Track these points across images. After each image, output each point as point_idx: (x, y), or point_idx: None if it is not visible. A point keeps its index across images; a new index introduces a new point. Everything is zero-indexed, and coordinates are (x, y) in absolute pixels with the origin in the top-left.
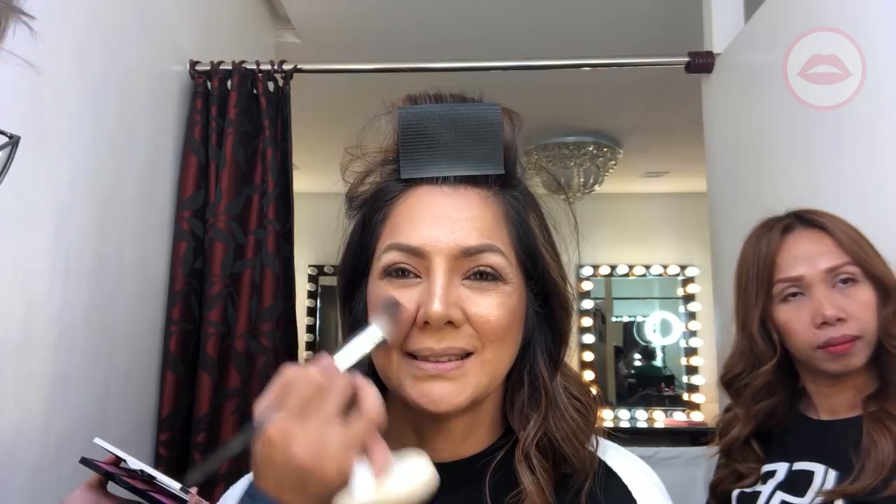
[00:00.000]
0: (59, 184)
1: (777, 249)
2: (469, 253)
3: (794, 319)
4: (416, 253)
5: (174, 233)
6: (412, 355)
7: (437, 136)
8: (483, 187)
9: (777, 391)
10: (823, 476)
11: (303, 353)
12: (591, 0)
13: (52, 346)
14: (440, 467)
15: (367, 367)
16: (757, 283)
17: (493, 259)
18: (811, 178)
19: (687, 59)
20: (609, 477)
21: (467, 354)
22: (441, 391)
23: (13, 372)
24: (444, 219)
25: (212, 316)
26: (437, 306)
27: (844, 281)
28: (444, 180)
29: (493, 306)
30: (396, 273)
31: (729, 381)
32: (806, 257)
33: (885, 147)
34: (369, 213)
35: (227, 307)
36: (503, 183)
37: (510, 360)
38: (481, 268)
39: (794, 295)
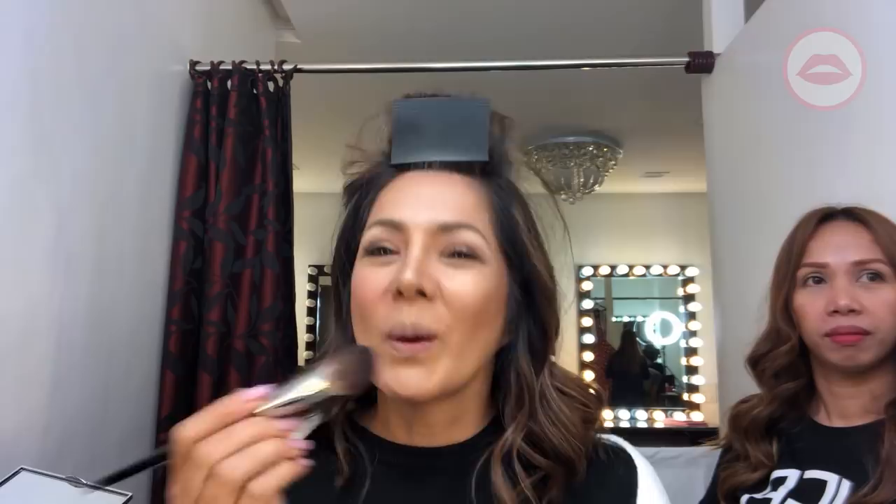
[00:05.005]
0: (59, 184)
1: (812, 235)
2: (446, 228)
3: (809, 304)
4: (396, 226)
5: (174, 232)
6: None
7: (427, 125)
8: (468, 174)
9: (801, 374)
10: (837, 486)
11: (303, 353)
12: (591, 0)
13: (52, 346)
14: (425, 452)
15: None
16: (787, 266)
17: (470, 237)
18: (811, 178)
19: (687, 59)
20: (607, 473)
21: (436, 337)
22: (409, 376)
23: (13, 372)
24: (426, 198)
25: (211, 316)
26: (409, 275)
27: (872, 277)
28: (431, 166)
29: (468, 283)
30: (377, 251)
31: (755, 360)
32: (837, 246)
33: (884, 147)
34: (360, 197)
35: (226, 307)
36: (489, 173)
37: (483, 347)
38: (458, 245)
39: (816, 281)
